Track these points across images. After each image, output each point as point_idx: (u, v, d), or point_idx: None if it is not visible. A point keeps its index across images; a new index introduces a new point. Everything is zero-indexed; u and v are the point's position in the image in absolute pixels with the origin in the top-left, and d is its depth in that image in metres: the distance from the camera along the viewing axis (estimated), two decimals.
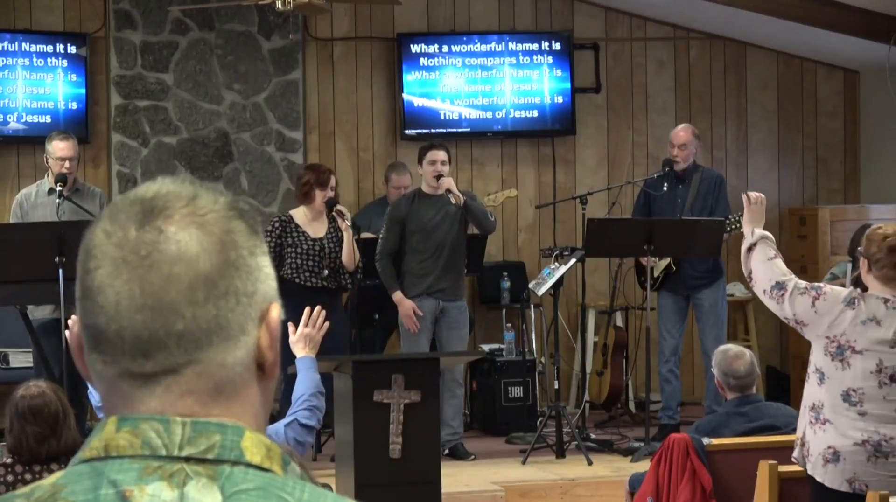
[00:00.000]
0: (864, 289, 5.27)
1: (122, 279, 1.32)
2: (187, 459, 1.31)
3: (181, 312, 1.32)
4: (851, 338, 5.13)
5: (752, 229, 5.58)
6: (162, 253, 1.32)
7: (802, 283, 5.30)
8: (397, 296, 8.72)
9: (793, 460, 5.33)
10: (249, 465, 1.32)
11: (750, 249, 5.52)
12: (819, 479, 5.16)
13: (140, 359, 1.33)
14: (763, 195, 5.73)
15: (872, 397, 5.11)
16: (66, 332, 5.44)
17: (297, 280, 8.58)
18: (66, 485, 1.32)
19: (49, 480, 1.34)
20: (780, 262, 5.42)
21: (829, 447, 5.15)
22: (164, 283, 1.32)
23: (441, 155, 8.72)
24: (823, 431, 5.18)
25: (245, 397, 1.36)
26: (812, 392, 5.23)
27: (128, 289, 1.32)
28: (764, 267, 5.40)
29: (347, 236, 8.58)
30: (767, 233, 5.54)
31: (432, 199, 8.76)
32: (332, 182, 8.75)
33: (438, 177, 8.66)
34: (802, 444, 5.25)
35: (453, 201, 8.60)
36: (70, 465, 1.35)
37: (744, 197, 5.75)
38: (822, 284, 5.33)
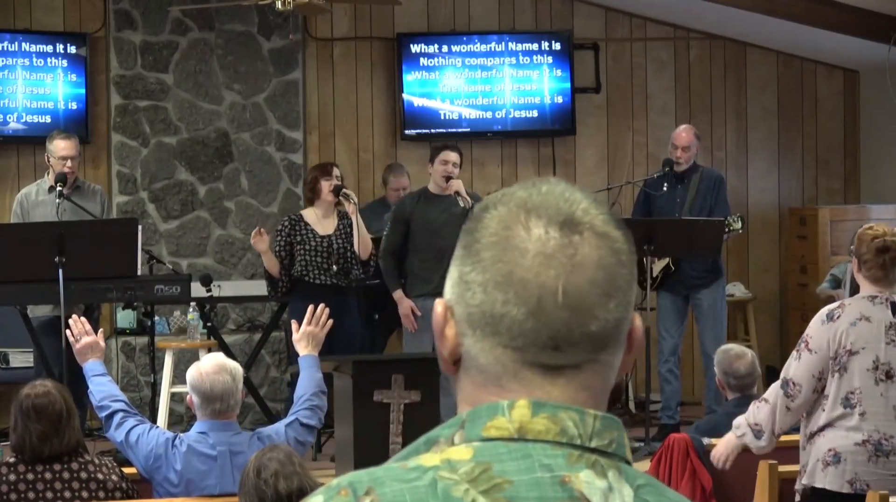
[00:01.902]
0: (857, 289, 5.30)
1: (547, 275, 1.38)
2: (594, 450, 1.38)
3: (597, 315, 1.39)
4: (847, 342, 5.13)
5: (733, 437, 5.45)
6: (586, 257, 1.39)
7: (789, 363, 5.25)
8: (398, 294, 8.72)
9: (796, 490, 5.31)
10: (627, 462, 1.41)
11: (755, 431, 5.38)
12: (819, 485, 5.16)
13: (550, 352, 1.39)
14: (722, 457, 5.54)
15: (870, 395, 5.12)
16: (67, 332, 5.47)
17: (306, 278, 8.57)
18: (490, 463, 1.36)
19: (455, 454, 1.37)
20: (757, 406, 5.31)
21: (830, 449, 5.15)
22: (588, 286, 1.39)
23: (454, 156, 8.75)
24: (822, 437, 5.18)
25: (608, 396, 1.45)
26: (817, 420, 5.22)
27: (553, 285, 1.38)
28: (764, 412, 5.28)
29: (356, 219, 8.52)
30: (737, 427, 5.40)
31: (438, 200, 8.76)
32: (336, 172, 8.74)
33: (448, 178, 8.67)
34: (804, 471, 5.24)
35: (462, 204, 8.59)
36: (459, 441, 1.38)
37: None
38: (802, 336, 5.26)
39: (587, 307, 1.39)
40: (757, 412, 5.30)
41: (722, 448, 5.49)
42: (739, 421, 5.37)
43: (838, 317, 5.17)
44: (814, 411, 5.23)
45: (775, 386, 5.25)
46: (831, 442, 5.15)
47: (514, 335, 1.39)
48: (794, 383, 5.19)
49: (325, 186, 8.60)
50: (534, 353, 1.39)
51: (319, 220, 8.70)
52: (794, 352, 5.26)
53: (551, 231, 1.39)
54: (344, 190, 8.60)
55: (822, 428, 5.18)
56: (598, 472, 1.36)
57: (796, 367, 5.20)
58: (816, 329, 5.20)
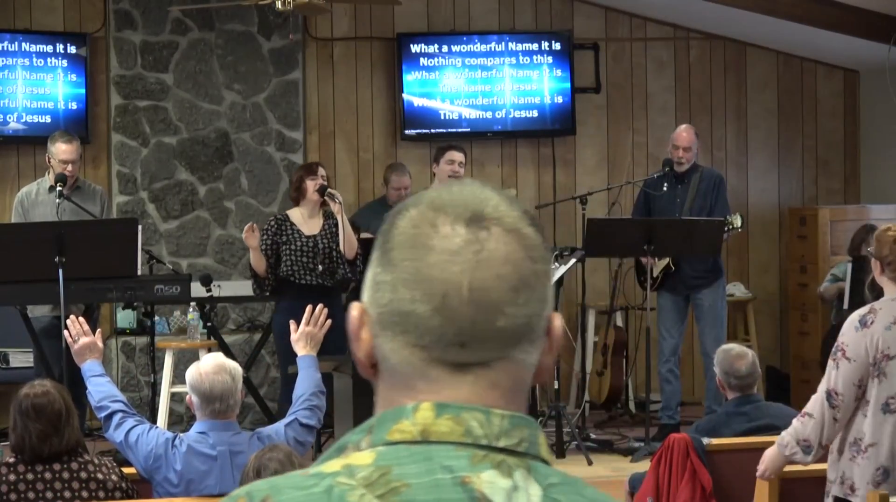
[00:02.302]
0: (879, 291, 5.23)
1: (451, 271, 1.37)
2: (502, 450, 1.36)
3: (504, 310, 1.38)
4: (883, 346, 5.08)
5: (778, 454, 5.37)
6: (492, 252, 1.38)
7: (829, 374, 5.16)
8: None
9: (834, 497, 5.25)
10: (543, 460, 1.39)
11: (805, 446, 5.29)
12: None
13: (456, 349, 1.38)
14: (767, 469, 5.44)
15: None
16: (65, 332, 5.46)
17: (291, 278, 8.56)
18: (390, 467, 1.35)
19: (357, 459, 1.36)
20: (801, 422, 5.22)
21: (878, 468, 5.09)
22: (494, 282, 1.37)
23: (460, 156, 8.81)
24: (867, 458, 5.10)
25: (525, 396, 1.43)
26: (858, 427, 5.15)
27: (458, 281, 1.37)
28: (810, 427, 5.18)
29: (342, 219, 8.50)
30: (784, 446, 5.28)
31: None
32: (322, 171, 8.72)
33: (456, 178, 8.68)
34: (843, 481, 5.16)
35: None
36: (366, 446, 1.37)
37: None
38: (837, 344, 5.18)
39: (494, 303, 1.37)
40: (802, 428, 5.19)
41: (770, 465, 5.37)
42: (786, 438, 5.26)
43: (872, 323, 5.09)
44: (853, 419, 5.17)
45: (817, 400, 5.15)
46: (878, 461, 5.07)
47: (422, 333, 1.38)
48: (836, 393, 5.11)
49: (311, 186, 8.59)
50: (440, 351, 1.38)
51: (305, 220, 8.69)
52: (830, 362, 5.17)
53: (458, 228, 1.38)
54: (329, 189, 8.58)
55: (865, 449, 5.10)
56: (504, 472, 1.35)
57: (836, 377, 5.12)
58: (851, 336, 5.12)
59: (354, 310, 1.43)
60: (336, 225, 8.56)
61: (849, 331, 5.14)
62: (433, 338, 1.38)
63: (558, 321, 1.44)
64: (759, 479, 5.47)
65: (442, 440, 1.36)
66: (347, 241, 8.53)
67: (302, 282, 8.55)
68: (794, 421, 5.27)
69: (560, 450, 8.66)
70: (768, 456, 5.36)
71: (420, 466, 1.34)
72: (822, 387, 5.18)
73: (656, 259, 9.16)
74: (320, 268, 8.60)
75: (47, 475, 4.85)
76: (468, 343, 1.38)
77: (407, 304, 1.38)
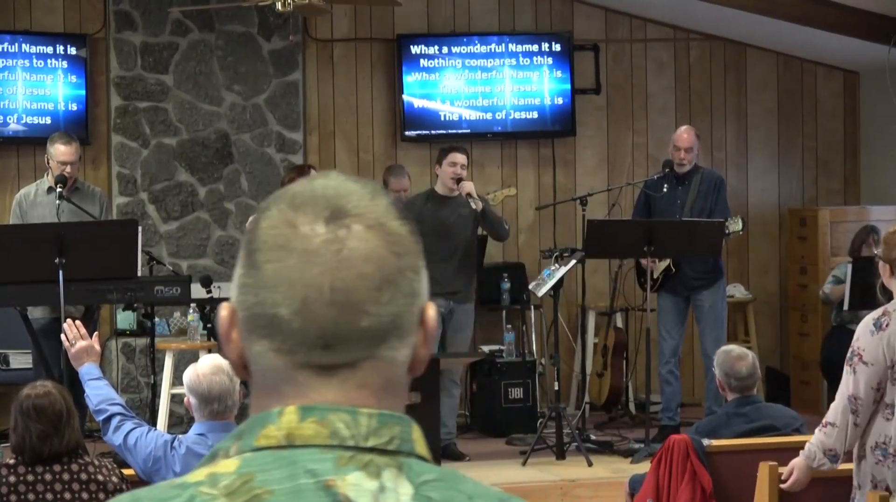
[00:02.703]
0: (888, 294, 5.20)
1: (311, 273, 1.34)
2: (372, 450, 1.34)
3: (368, 310, 1.35)
4: None
5: (805, 464, 5.33)
6: (353, 250, 1.35)
7: (846, 380, 5.13)
8: None
9: None
10: (419, 457, 1.37)
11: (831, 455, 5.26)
12: None
13: (321, 351, 1.35)
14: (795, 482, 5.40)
15: None
16: (62, 336, 5.46)
17: None
18: (253, 474, 1.32)
19: (221, 467, 1.34)
20: (825, 432, 5.20)
21: None
22: (355, 281, 1.35)
23: (462, 158, 8.78)
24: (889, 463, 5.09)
25: (402, 392, 1.41)
26: (880, 429, 5.12)
27: (318, 282, 1.34)
28: (834, 436, 5.16)
29: None
30: (811, 457, 5.27)
31: (446, 201, 8.77)
32: (313, 173, 8.69)
33: (459, 180, 8.67)
34: (875, 485, 5.12)
35: (474, 206, 8.59)
36: (234, 453, 1.35)
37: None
38: (852, 349, 5.15)
39: (356, 302, 1.34)
40: (827, 439, 5.17)
41: (799, 476, 5.32)
42: (811, 450, 5.21)
43: (887, 325, 5.06)
44: (872, 422, 5.14)
45: (837, 408, 5.13)
46: None
47: (285, 337, 1.35)
48: (855, 398, 5.09)
49: None
50: (305, 354, 1.35)
51: None
52: (846, 368, 5.13)
53: (317, 227, 1.35)
54: None
55: (894, 453, 5.09)
56: (371, 473, 1.32)
57: (855, 382, 5.09)
58: (867, 340, 5.08)
59: (224, 310, 1.40)
60: None
61: (864, 335, 5.11)
62: (296, 342, 1.35)
63: (432, 311, 1.41)
64: (786, 490, 5.43)
65: (308, 443, 1.33)
66: None
67: None
68: (817, 431, 5.23)
69: (560, 452, 8.66)
70: (797, 468, 5.32)
71: (283, 471, 1.31)
72: (840, 394, 5.15)
73: (657, 261, 9.16)
74: None
75: (47, 476, 4.85)
76: (332, 345, 1.35)
77: (269, 308, 1.35)
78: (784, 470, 5.40)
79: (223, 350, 1.43)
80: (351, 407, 1.35)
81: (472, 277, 8.94)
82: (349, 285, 1.34)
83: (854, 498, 5.23)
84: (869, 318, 5.14)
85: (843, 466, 5.29)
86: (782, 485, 5.40)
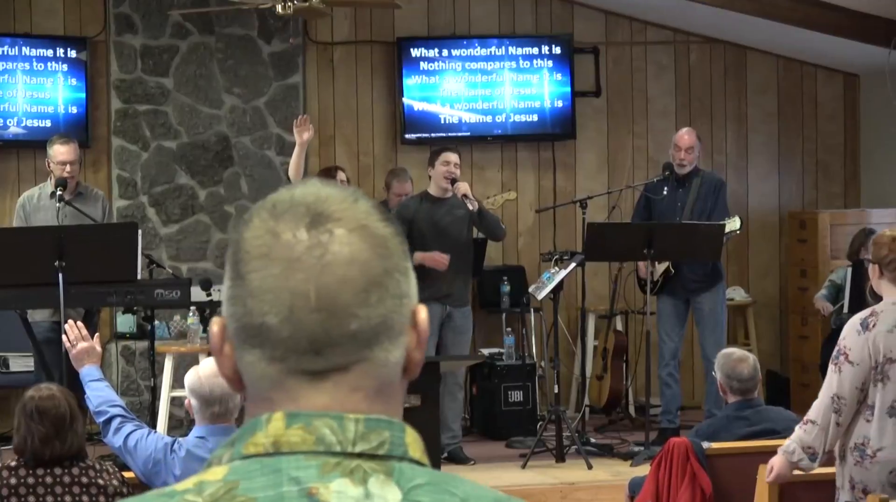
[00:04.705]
0: (878, 298, 5.21)
1: (296, 280, 1.35)
2: (360, 455, 1.33)
3: (356, 313, 1.35)
4: (885, 350, 5.06)
5: (786, 461, 5.32)
6: (336, 255, 1.35)
7: (830, 379, 5.13)
8: None
9: None
10: (413, 460, 1.36)
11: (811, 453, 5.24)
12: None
13: (311, 357, 1.35)
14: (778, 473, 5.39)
15: None
16: (63, 337, 5.46)
17: None
18: (238, 482, 1.32)
19: (210, 475, 1.34)
20: (804, 429, 5.19)
21: (892, 471, 5.08)
22: (340, 285, 1.35)
23: (454, 157, 8.71)
24: (877, 462, 5.09)
25: (397, 394, 1.41)
26: (860, 431, 5.13)
27: (303, 289, 1.34)
28: (814, 434, 5.15)
29: None
30: (790, 453, 5.27)
31: (440, 202, 8.75)
32: (342, 176, 8.74)
33: (453, 180, 8.63)
34: (853, 486, 5.14)
35: (470, 207, 8.57)
36: (226, 461, 1.35)
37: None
38: (838, 348, 5.15)
39: (343, 306, 1.34)
40: (806, 436, 5.18)
41: (781, 471, 5.32)
42: (791, 446, 5.22)
43: (874, 326, 5.07)
44: (854, 423, 5.15)
45: (820, 406, 5.14)
46: (890, 463, 5.08)
47: (275, 345, 1.35)
48: (839, 397, 5.09)
49: None
50: (295, 361, 1.35)
51: None
52: (831, 366, 5.14)
53: (299, 234, 1.35)
54: None
55: (873, 453, 5.07)
56: (357, 480, 1.32)
57: (840, 381, 5.09)
58: (853, 339, 5.10)
59: (215, 325, 1.41)
60: None
61: (850, 335, 5.12)
62: (287, 349, 1.35)
63: (423, 313, 1.41)
64: (769, 484, 5.45)
65: (294, 450, 1.33)
66: None
67: None
68: (797, 428, 5.25)
69: (560, 455, 8.66)
70: (777, 464, 5.34)
71: (268, 479, 1.32)
72: (823, 393, 5.16)
73: (656, 263, 9.17)
74: None
75: (48, 479, 4.85)
76: (322, 350, 1.35)
77: (258, 317, 1.36)
78: (766, 467, 5.42)
79: (216, 363, 1.43)
80: (337, 412, 1.34)
81: (468, 280, 8.92)
82: (334, 290, 1.34)
83: (838, 499, 5.23)
84: (856, 318, 5.15)
85: None
86: (766, 479, 5.42)
